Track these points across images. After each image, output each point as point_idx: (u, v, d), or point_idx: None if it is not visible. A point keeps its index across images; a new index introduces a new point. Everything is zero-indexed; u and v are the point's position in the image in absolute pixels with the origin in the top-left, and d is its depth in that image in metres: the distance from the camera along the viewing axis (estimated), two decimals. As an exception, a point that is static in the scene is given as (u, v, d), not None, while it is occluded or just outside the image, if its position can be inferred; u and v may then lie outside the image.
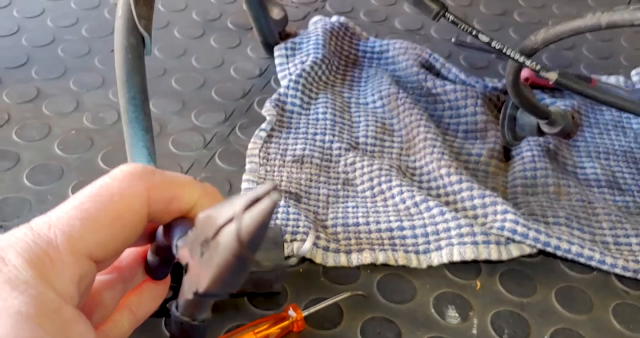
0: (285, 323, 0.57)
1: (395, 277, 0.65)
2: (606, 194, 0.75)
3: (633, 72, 0.96)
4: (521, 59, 0.52)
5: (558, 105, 0.85)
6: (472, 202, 0.69)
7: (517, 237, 0.65)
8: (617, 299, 0.64)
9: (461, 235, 0.66)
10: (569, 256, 0.65)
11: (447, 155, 0.75)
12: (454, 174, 0.72)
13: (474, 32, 0.54)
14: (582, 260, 0.65)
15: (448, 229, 0.67)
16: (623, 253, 0.67)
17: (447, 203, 0.71)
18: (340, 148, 0.78)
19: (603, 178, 0.77)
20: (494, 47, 0.54)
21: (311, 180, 0.74)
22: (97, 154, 0.75)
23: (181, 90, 0.87)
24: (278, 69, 0.90)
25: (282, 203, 0.69)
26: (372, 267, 0.65)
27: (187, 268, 0.27)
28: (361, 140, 0.79)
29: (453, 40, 0.99)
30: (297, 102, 0.83)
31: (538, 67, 0.52)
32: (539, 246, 0.65)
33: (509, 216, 0.66)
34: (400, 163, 0.77)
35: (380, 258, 0.65)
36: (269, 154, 0.77)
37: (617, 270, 0.65)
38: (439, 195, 0.72)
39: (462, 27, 0.57)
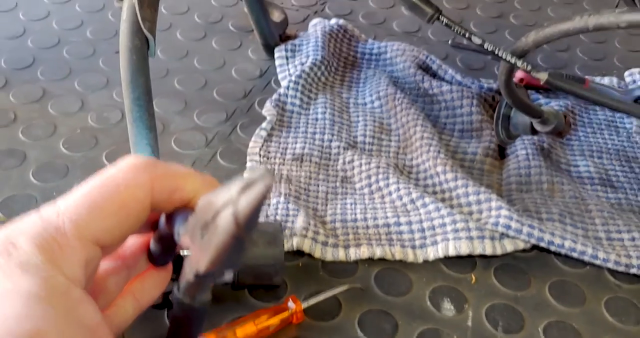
0: (285, 314, 0.59)
1: (392, 271, 0.66)
2: (599, 191, 0.77)
3: (626, 73, 0.98)
4: (513, 60, 0.54)
5: (552, 105, 0.86)
6: (467, 199, 0.71)
7: (511, 233, 0.67)
8: (610, 293, 0.66)
9: (456, 231, 0.67)
10: (562, 251, 0.67)
11: (443, 154, 0.77)
12: (450, 172, 0.74)
13: (467, 35, 0.56)
14: (575, 254, 0.67)
15: (444, 225, 0.68)
16: (615, 248, 0.68)
17: (442, 200, 0.72)
18: (339, 147, 0.79)
19: (596, 176, 0.79)
20: (487, 49, 0.55)
21: (310, 178, 0.76)
22: (101, 152, 0.76)
23: (183, 91, 0.88)
24: (278, 70, 0.92)
25: (282, 199, 0.71)
26: (370, 261, 0.67)
27: (188, 251, 0.29)
28: (359, 139, 0.81)
29: (450, 42, 1.01)
30: (297, 102, 0.85)
31: (529, 68, 0.53)
32: (533, 241, 0.67)
33: (503, 212, 0.68)
34: (398, 161, 0.79)
35: (378, 252, 0.67)
36: (269, 152, 0.78)
37: (610, 265, 0.67)
38: (435, 192, 0.74)
39: (455, 30, 0.59)
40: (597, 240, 0.69)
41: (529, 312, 0.63)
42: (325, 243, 0.67)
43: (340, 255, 0.67)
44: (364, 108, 0.87)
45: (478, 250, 0.67)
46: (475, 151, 0.80)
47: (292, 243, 0.66)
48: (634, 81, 0.95)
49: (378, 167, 0.75)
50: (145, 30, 0.60)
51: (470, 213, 0.70)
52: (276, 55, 0.94)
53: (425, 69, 0.92)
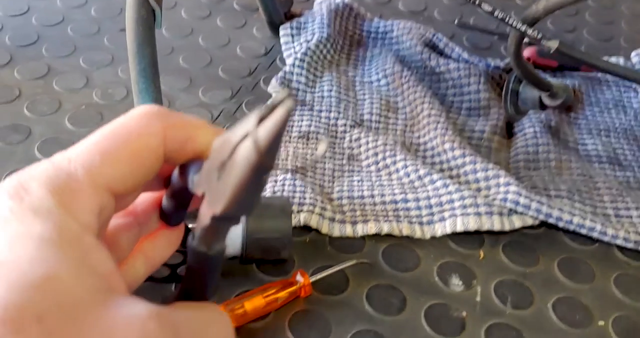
0: (293, 288, 0.59)
1: (399, 247, 0.66)
2: (607, 169, 0.77)
3: (633, 54, 0.97)
4: (523, 28, 0.53)
5: (560, 83, 0.86)
6: (475, 175, 0.71)
7: (520, 208, 0.66)
8: (619, 270, 0.66)
9: (464, 207, 0.67)
10: (571, 227, 0.67)
11: (451, 131, 0.76)
12: (458, 149, 0.73)
13: (477, 2, 0.55)
14: (583, 231, 0.67)
15: (451, 201, 0.68)
16: (624, 225, 0.68)
17: (450, 177, 0.72)
18: (345, 125, 0.79)
19: (604, 154, 0.78)
20: (497, 17, 0.55)
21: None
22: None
23: (188, 68, 0.88)
24: (283, 48, 0.91)
25: (288, 176, 0.70)
26: (377, 237, 0.67)
27: (204, 196, 0.28)
28: (366, 117, 0.81)
29: (456, 21, 1.01)
30: (303, 80, 0.84)
31: (539, 36, 0.53)
32: (541, 217, 0.67)
33: (512, 188, 0.67)
34: (405, 139, 0.78)
35: (385, 228, 0.66)
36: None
37: (619, 242, 0.66)
38: (442, 170, 0.74)
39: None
40: (605, 217, 0.69)
41: (538, 288, 0.63)
42: (332, 219, 0.66)
43: (348, 231, 0.66)
44: (370, 86, 0.86)
45: (486, 226, 0.66)
46: (483, 129, 0.80)
47: (300, 218, 0.66)
48: (642, 61, 0.94)
49: (385, 145, 0.75)
50: (151, 1, 0.59)
51: (479, 189, 0.70)
52: (281, 33, 0.93)
53: (432, 47, 0.91)
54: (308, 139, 0.77)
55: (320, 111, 0.81)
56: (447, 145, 0.74)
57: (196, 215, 0.28)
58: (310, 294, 0.60)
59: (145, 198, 0.36)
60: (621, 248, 0.67)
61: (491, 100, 0.82)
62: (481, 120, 0.81)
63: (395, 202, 0.69)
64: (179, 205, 0.34)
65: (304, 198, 0.67)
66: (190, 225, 0.52)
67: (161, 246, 0.36)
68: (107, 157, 0.28)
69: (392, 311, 0.60)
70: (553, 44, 0.52)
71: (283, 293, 0.58)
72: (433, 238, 0.67)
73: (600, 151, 0.79)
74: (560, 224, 0.67)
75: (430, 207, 0.68)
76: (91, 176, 0.28)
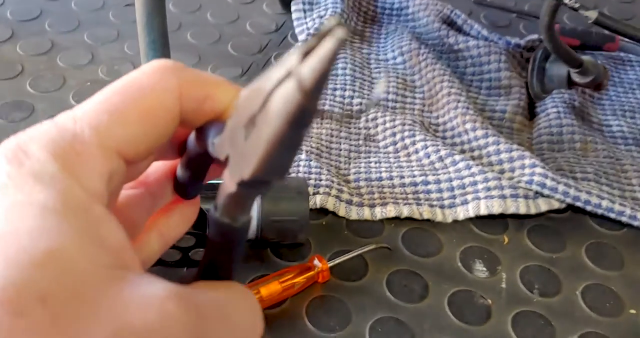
0: (311, 273, 0.56)
1: (420, 231, 0.63)
2: (633, 152, 0.73)
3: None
4: (560, -3, 0.50)
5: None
6: (499, 157, 0.68)
7: (546, 191, 0.63)
8: (649, 255, 0.63)
9: (488, 189, 0.64)
10: (599, 211, 0.64)
11: (472, 111, 0.73)
12: (480, 129, 0.70)
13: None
14: (612, 215, 0.64)
15: (475, 183, 0.65)
16: (653, 209, 0.65)
17: (472, 158, 0.69)
18: (361, 104, 0.76)
19: (630, 135, 0.75)
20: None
21: (332, 136, 0.72)
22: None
23: (197, 45, 0.85)
24: (295, 23, 0.87)
25: (303, 156, 0.67)
26: (397, 220, 0.64)
27: (227, 161, 0.24)
28: (382, 96, 0.77)
29: (473, -2, 0.97)
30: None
31: (577, 5, 0.50)
32: (568, 200, 0.64)
33: (538, 170, 0.64)
34: (423, 119, 0.75)
35: (405, 211, 0.63)
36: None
37: (648, 226, 0.64)
38: (463, 151, 0.71)
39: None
40: (634, 200, 0.66)
41: (565, 275, 0.60)
42: (349, 202, 0.64)
43: (366, 214, 0.63)
44: (386, 64, 0.83)
45: (511, 209, 0.63)
46: (504, 109, 0.76)
47: (316, 201, 0.63)
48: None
49: (403, 124, 0.72)
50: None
51: (502, 171, 0.67)
52: (293, 8, 0.89)
53: (450, 24, 0.88)
54: (322, 119, 0.74)
55: (335, 89, 0.78)
56: (468, 125, 0.71)
57: (213, 187, 0.25)
58: (328, 280, 0.57)
59: (158, 167, 0.32)
60: (651, 234, 0.64)
61: (512, 79, 0.79)
62: (502, 100, 0.78)
63: (415, 184, 0.66)
64: (195, 175, 0.31)
65: (320, 180, 0.64)
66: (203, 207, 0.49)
67: (176, 221, 0.33)
68: (117, 115, 0.25)
69: (413, 298, 0.57)
70: (592, 14, 0.49)
71: (300, 279, 0.55)
72: (455, 222, 0.64)
73: (626, 132, 0.76)
74: (588, 208, 0.64)
75: (452, 189, 0.66)
76: (99, 137, 0.24)
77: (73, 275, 0.20)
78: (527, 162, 0.66)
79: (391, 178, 0.67)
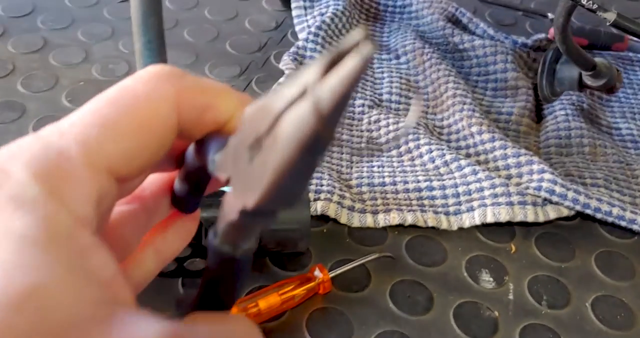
0: (311, 284, 0.54)
1: (424, 239, 0.61)
2: (644, 156, 0.71)
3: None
4: (576, -2, 0.48)
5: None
6: (506, 161, 0.65)
7: (555, 198, 0.61)
8: (660, 265, 0.61)
9: (495, 196, 0.62)
10: (610, 219, 0.62)
11: (478, 113, 0.71)
12: (486, 132, 0.68)
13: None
14: (623, 223, 0.62)
15: (481, 189, 0.63)
16: (665, 217, 0.63)
17: (478, 163, 0.67)
18: (363, 105, 0.73)
19: (639, 139, 0.73)
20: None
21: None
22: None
23: (194, 43, 0.82)
24: (296, 21, 0.85)
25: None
26: (400, 228, 0.62)
27: (229, 183, 0.22)
28: (385, 97, 0.75)
29: (478, -5, 0.95)
30: (317, 56, 0.79)
31: (595, 6, 0.47)
32: (578, 208, 0.61)
33: (547, 176, 0.62)
34: (427, 121, 0.73)
35: (409, 219, 0.61)
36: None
37: (660, 235, 0.62)
38: (469, 155, 0.68)
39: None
40: (645, 208, 0.64)
41: (575, 285, 0.58)
42: (351, 208, 0.61)
43: (368, 221, 0.61)
44: (389, 63, 0.81)
45: (519, 217, 0.61)
46: (511, 111, 0.74)
47: (316, 207, 0.60)
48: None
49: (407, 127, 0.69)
50: (158, -33, 0.53)
51: (509, 177, 0.65)
52: (293, 5, 0.87)
53: (455, 22, 0.85)
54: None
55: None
56: (474, 129, 0.69)
57: (214, 202, 0.22)
58: (330, 291, 0.55)
59: (155, 180, 0.30)
60: (663, 242, 0.62)
61: (519, 80, 0.76)
62: (508, 102, 0.76)
63: (420, 190, 0.64)
64: (194, 189, 0.28)
65: (321, 185, 0.62)
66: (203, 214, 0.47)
67: (174, 237, 0.31)
68: (107, 129, 0.22)
69: (418, 310, 0.55)
70: (610, 16, 0.47)
71: (300, 290, 0.53)
72: (460, 229, 0.62)
73: (636, 136, 0.73)
74: (599, 215, 0.62)
75: (458, 195, 0.63)
76: (88, 154, 0.22)
77: (56, 316, 0.18)
78: (535, 167, 0.63)
79: (394, 183, 0.65)
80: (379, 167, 0.67)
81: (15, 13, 0.84)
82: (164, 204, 0.30)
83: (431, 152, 0.67)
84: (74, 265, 0.20)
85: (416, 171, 0.66)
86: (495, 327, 0.54)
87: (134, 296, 0.26)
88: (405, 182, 0.65)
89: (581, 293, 0.58)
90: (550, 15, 0.90)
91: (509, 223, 0.62)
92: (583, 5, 0.48)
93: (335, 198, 0.61)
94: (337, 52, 0.16)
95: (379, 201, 0.63)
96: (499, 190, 0.62)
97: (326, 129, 0.16)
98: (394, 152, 0.69)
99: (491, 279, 0.58)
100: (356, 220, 0.61)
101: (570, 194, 0.61)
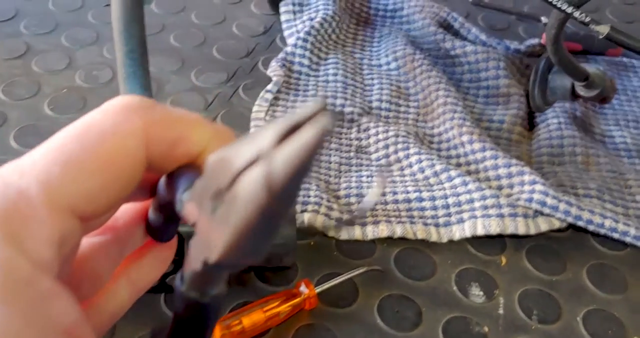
0: (297, 300, 0.52)
1: (413, 251, 0.60)
2: (637, 164, 0.70)
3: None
4: (569, 10, 0.46)
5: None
6: (497, 172, 0.64)
7: (547, 210, 0.60)
8: (653, 278, 0.60)
9: (485, 207, 0.61)
10: (602, 231, 0.60)
11: (469, 122, 0.69)
12: (477, 142, 0.67)
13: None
14: (615, 235, 0.60)
15: (471, 200, 0.62)
16: (658, 228, 0.62)
17: (469, 173, 0.66)
18: (352, 113, 0.72)
19: (633, 147, 0.72)
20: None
21: (321, 147, 0.69)
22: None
23: (180, 48, 0.81)
24: (284, 26, 0.84)
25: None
26: (389, 240, 0.60)
27: (195, 228, 0.21)
28: (375, 104, 0.74)
29: (471, 0, 0.93)
30: (306, 62, 0.77)
31: (588, 19, 0.46)
32: (570, 220, 0.60)
33: (538, 187, 0.61)
34: (417, 129, 0.71)
35: (398, 231, 0.60)
36: (275, 117, 0.71)
37: (653, 247, 0.61)
38: (459, 164, 0.67)
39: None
40: (638, 219, 0.63)
41: (566, 299, 0.57)
42: (339, 220, 0.60)
43: (357, 233, 0.60)
44: (379, 70, 0.79)
45: (510, 229, 0.60)
46: (502, 119, 0.73)
47: (303, 219, 0.59)
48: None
49: (397, 136, 0.68)
50: (139, -26, 0.52)
51: (500, 188, 0.64)
52: (282, 9, 0.85)
53: (446, 27, 0.84)
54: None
55: (325, 97, 0.74)
56: (465, 138, 0.68)
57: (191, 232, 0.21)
58: (316, 306, 0.54)
59: (128, 209, 0.28)
60: (656, 255, 0.61)
61: (511, 87, 0.75)
62: (500, 109, 0.74)
63: (409, 201, 0.63)
64: (168, 218, 0.27)
65: (308, 196, 0.61)
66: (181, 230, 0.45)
67: (149, 267, 0.29)
68: (71, 167, 0.21)
69: (406, 326, 0.54)
70: (603, 29, 0.46)
71: (285, 307, 0.52)
72: (450, 241, 0.61)
73: (630, 144, 0.72)
74: (591, 227, 0.61)
75: (448, 207, 0.62)
76: (49, 194, 0.21)
77: None
78: (526, 178, 0.62)
79: (383, 194, 0.63)
80: (367, 177, 0.66)
81: (-2, 17, 0.82)
82: (138, 233, 0.29)
83: (421, 162, 0.65)
84: (33, 313, 0.19)
85: (405, 181, 0.65)
86: (485, 343, 0.53)
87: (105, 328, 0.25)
88: (395, 193, 0.63)
89: (572, 307, 0.56)
90: (544, 19, 0.89)
91: (500, 235, 0.61)
92: (576, 18, 0.47)
93: (323, 209, 0.60)
94: (295, 121, 0.15)
95: (368, 212, 0.62)
96: (489, 201, 0.61)
97: (279, 203, 0.16)
98: (383, 162, 0.67)
99: (481, 293, 0.57)
100: (344, 233, 0.60)
101: (562, 206, 0.60)
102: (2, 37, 0.79)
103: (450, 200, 0.62)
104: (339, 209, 0.61)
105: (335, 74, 0.76)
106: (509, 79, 0.76)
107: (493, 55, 0.77)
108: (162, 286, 0.53)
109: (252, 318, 0.50)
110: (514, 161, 0.64)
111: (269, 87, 0.74)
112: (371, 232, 0.60)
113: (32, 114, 0.69)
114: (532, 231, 0.60)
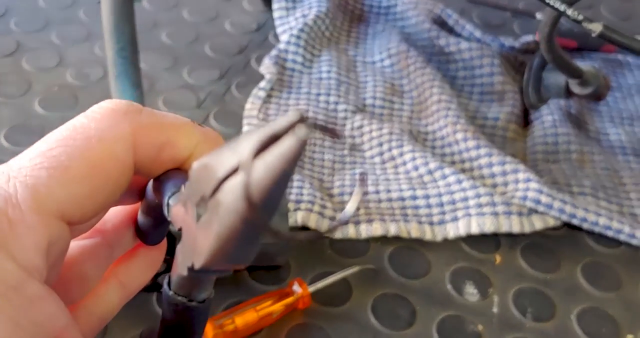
0: (290, 299, 0.52)
1: (407, 250, 0.59)
2: (632, 162, 0.70)
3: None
4: (562, 8, 0.46)
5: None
6: (491, 170, 0.64)
7: (541, 208, 0.60)
8: (648, 276, 0.60)
9: (480, 205, 0.60)
10: (596, 229, 0.60)
11: (464, 119, 0.69)
12: (471, 139, 0.66)
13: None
14: (610, 233, 0.60)
15: (465, 198, 0.61)
16: (653, 226, 0.62)
17: (463, 171, 0.65)
18: (346, 110, 0.72)
19: (628, 145, 0.72)
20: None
21: (315, 145, 0.68)
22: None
23: (172, 45, 0.80)
24: (277, 23, 0.83)
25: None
26: (383, 239, 0.60)
27: (182, 233, 0.21)
28: (368, 101, 0.73)
29: (465, -4, 0.93)
30: (299, 59, 0.77)
31: (581, 17, 0.46)
32: (564, 218, 0.60)
33: (532, 185, 0.61)
34: (412, 127, 0.71)
35: (392, 229, 0.60)
36: (268, 115, 0.71)
37: (648, 245, 0.60)
38: (454, 162, 0.67)
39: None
40: (632, 217, 0.63)
41: (560, 297, 0.57)
42: (333, 219, 0.60)
43: (350, 232, 0.60)
44: (373, 67, 0.79)
45: (504, 228, 0.60)
46: (497, 116, 0.73)
47: (296, 218, 0.59)
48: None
49: (391, 134, 0.68)
50: (129, -29, 0.51)
51: (494, 185, 0.63)
52: (275, 6, 0.85)
53: (441, 24, 0.84)
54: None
55: (319, 94, 0.73)
56: (459, 135, 0.67)
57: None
58: (309, 306, 0.53)
59: (117, 212, 0.29)
60: (650, 252, 0.61)
61: (506, 84, 0.75)
62: (495, 106, 0.74)
63: (403, 199, 0.62)
64: (157, 221, 0.27)
65: (301, 195, 0.61)
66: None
67: (138, 269, 0.30)
68: (58, 171, 0.21)
69: (400, 324, 0.54)
70: (596, 27, 0.45)
71: (278, 306, 0.52)
72: (445, 240, 0.61)
73: (624, 142, 0.72)
74: (585, 225, 0.60)
75: (442, 205, 0.62)
76: (37, 199, 0.21)
77: None
78: (520, 176, 0.62)
79: (377, 192, 0.63)
80: (361, 174, 0.65)
81: (-13, 15, 0.81)
82: (128, 236, 0.29)
83: (415, 159, 0.65)
84: (22, 319, 0.19)
85: (399, 179, 0.65)
86: (479, 342, 0.53)
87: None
88: (388, 191, 0.63)
89: (566, 305, 0.56)
90: (538, 15, 0.89)
91: (494, 234, 0.61)
92: (568, 16, 0.46)
93: (316, 208, 0.60)
94: (274, 131, 0.16)
95: (362, 211, 0.61)
96: (483, 199, 0.60)
97: (258, 213, 0.16)
98: (377, 160, 0.67)
99: (475, 291, 0.57)
100: (338, 231, 0.59)
101: (557, 204, 0.60)
102: (-8, 35, 0.78)
103: (445, 199, 0.62)
104: (333, 207, 0.61)
105: (329, 71, 0.76)
106: (503, 76, 0.75)
107: (487, 52, 0.77)
108: (154, 285, 0.53)
109: (245, 317, 0.50)
110: (508, 159, 0.64)
111: (262, 84, 0.73)
112: (365, 230, 0.60)
113: (23, 113, 0.68)
114: (527, 229, 0.60)
